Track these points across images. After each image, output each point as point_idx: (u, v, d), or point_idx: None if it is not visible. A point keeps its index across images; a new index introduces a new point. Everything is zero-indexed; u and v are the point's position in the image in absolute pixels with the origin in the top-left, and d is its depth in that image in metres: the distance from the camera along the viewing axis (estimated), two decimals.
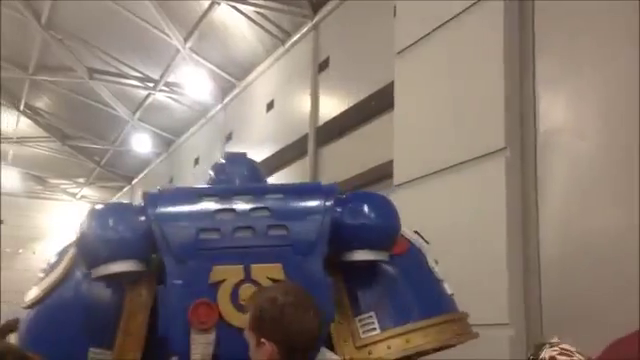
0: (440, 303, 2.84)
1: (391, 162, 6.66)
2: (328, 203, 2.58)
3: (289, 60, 11.28)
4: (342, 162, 9.22)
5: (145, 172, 19.62)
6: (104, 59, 14.07)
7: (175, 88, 14.55)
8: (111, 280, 2.50)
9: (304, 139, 10.19)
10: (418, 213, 5.92)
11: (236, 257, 2.44)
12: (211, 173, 3.14)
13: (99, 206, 2.66)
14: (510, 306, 4.93)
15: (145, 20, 12.11)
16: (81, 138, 18.52)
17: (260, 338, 2.09)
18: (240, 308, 2.38)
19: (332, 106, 9.66)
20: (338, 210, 2.62)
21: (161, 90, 14.62)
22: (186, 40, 12.35)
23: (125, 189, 21.50)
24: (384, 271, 2.70)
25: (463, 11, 5.75)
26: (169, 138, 17.10)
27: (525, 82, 5.31)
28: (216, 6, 11.14)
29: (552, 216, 4.99)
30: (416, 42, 6.34)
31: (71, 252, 2.72)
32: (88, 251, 2.47)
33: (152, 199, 2.57)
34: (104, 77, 14.77)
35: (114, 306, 2.55)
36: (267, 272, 2.44)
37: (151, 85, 14.62)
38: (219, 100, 13.95)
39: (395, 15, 6.99)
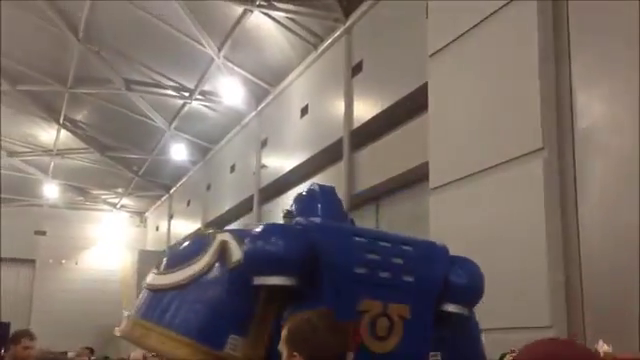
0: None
1: (426, 164, 6.63)
2: (445, 261, 3.04)
3: (322, 64, 11.31)
4: (377, 165, 9.21)
5: (183, 180, 19.84)
6: (140, 70, 14.31)
7: (210, 96, 14.70)
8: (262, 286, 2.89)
9: (339, 143, 10.20)
10: (455, 216, 5.91)
11: (378, 293, 2.85)
12: (294, 202, 3.42)
13: (269, 224, 3.05)
14: (551, 308, 4.87)
15: (180, 30, 12.26)
16: (119, 149, 18.82)
17: (293, 351, 2.39)
18: (376, 337, 2.82)
19: (366, 109, 9.66)
20: (448, 268, 3.04)
21: (196, 99, 14.80)
22: (220, 49, 12.48)
23: (163, 198, 21.77)
24: (455, 320, 3.11)
25: (496, 11, 5.71)
26: (205, 146, 17.28)
27: (561, 81, 5.25)
28: (249, 14, 11.23)
29: (592, 215, 4.91)
30: (449, 43, 6.31)
31: (212, 249, 3.04)
32: (258, 262, 2.84)
33: (316, 227, 2.98)
34: (141, 88, 15.03)
35: (252, 303, 2.89)
36: (399, 310, 2.85)
37: (187, 94, 14.81)
38: (253, 107, 14.05)
39: (427, 17, 6.97)
